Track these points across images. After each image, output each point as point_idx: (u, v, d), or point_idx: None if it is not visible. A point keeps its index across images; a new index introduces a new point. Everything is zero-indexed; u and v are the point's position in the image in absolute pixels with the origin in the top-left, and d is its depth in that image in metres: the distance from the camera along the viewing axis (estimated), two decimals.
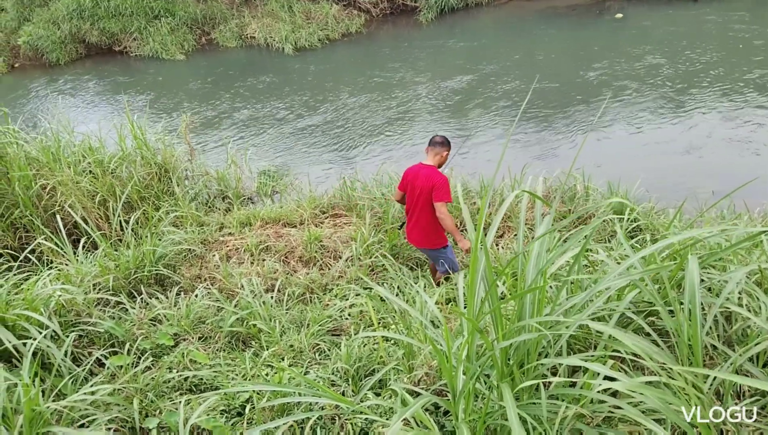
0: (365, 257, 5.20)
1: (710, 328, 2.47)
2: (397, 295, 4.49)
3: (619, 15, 15.00)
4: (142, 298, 4.42)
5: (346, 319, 4.14)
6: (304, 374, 3.34)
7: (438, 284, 4.85)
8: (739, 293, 2.58)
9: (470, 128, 9.57)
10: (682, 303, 2.34)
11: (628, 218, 5.00)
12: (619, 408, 1.97)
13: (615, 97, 9.93)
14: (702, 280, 2.63)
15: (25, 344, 3.18)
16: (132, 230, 5.39)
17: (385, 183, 6.63)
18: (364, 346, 3.50)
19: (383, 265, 5.13)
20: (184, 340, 3.93)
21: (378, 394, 3.00)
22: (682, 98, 9.58)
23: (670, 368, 2.14)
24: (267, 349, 3.70)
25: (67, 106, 13.79)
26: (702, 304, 2.47)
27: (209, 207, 6.77)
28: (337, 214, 6.32)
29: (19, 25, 18.49)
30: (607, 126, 8.94)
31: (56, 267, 4.57)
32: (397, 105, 11.19)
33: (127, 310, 4.18)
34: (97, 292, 4.28)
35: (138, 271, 4.74)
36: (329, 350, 3.66)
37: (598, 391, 1.98)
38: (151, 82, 15.16)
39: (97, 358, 3.56)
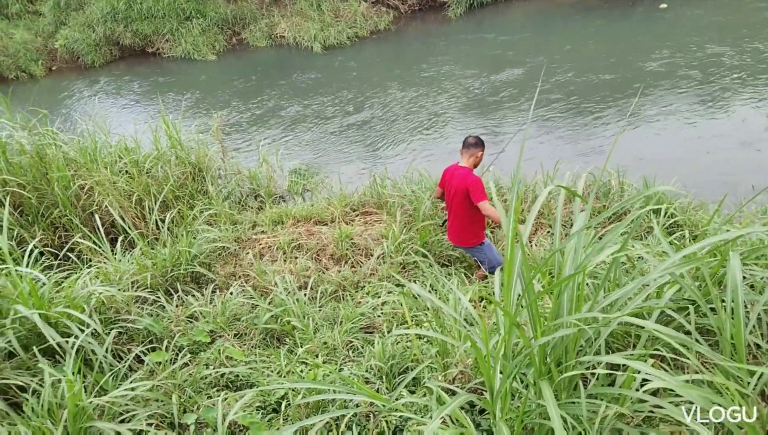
0: (396, 255, 5.20)
1: (753, 326, 2.41)
2: (429, 292, 4.48)
3: (664, 5, 14.47)
4: (178, 296, 4.50)
5: (379, 316, 4.14)
6: (339, 371, 3.36)
7: (482, 279, 4.86)
8: None
9: (518, 123, 9.39)
10: (723, 300, 2.29)
11: (666, 214, 4.91)
12: (659, 407, 1.94)
13: (671, 89, 9.57)
14: (744, 277, 2.57)
15: (67, 341, 3.26)
16: (167, 229, 5.48)
17: (415, 180, 6.61)
18: (397, 344, 3.50)
19: (415, 262, 5.13)
20: (220, 336, 3.98)
21: (412, 392, 3.00)
22: (742, 89, 9.19)
23: (712, 368, 2.09)
24: (301, 346, 3.73)
25: (115, 106, 14.03)
26: (744, 301, 2.41)
27: (242, 205, 6.84)
28: (367, 211, 6.33)
29: (56, 29, 18.95)
30: (659, 119, 8.63)
31: (95, 265, 4.68)
32: (446, 99, 11.05)
33: (164, 307, 4.27)
34: (136, 290, 4.37)
35: (174, 269, 4.81)
36: (363, 347, 3.67)
37: (638, 390, 1.95)
38: (192, 81, 15.29)
39: (136, 354, 3.64)
